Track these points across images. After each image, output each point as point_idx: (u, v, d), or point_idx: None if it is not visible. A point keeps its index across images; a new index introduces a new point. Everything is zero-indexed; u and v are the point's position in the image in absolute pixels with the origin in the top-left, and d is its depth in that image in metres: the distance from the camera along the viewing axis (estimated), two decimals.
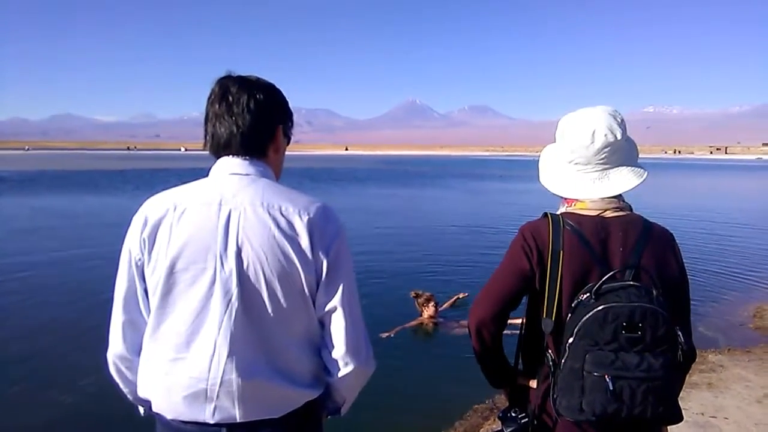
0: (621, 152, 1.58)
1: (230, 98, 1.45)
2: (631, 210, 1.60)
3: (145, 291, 1.42)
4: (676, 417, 1.39)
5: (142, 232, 1.39)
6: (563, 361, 1.41)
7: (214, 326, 1.34)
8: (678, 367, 1.38)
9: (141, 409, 1.55)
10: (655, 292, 1.38)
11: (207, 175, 1.48)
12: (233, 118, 1.45)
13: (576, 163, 1.59)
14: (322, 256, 1.38)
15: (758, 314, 7.23)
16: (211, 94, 1.49)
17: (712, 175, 53.44)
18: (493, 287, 1.60)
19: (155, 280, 1.38)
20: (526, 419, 1.60)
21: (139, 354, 1.44)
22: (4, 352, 5.73)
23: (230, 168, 1.45)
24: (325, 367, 1.46)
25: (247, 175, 1.44)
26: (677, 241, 1.58)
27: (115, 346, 1.45)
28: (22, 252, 10.83)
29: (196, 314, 1.35)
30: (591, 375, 1.34)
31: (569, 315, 1.44)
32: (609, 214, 1.56)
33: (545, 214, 1.60)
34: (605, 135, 1.52)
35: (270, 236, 1.35)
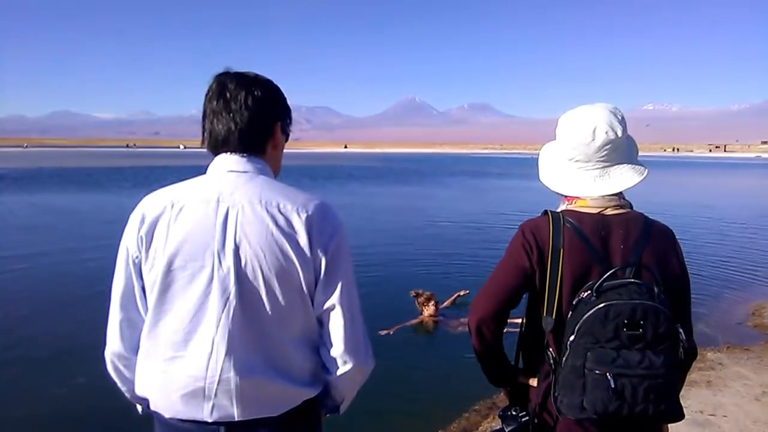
0: (621, 150, 1.57)
1: (228, 95, 1.44)
2: (631, 208, 1.60)
3: (143, 289, 1.41)
4: (678, 414, 1.39)
5: (139, 230, 1.38)
6: (564, 359, 1.41)
7: (212, 324, 1.33)
8: (679, 364, 1.38)
9: (139, 408, 1.55)
10: (656, 290, 1.37)
11: (205, 173, 1.47)
12: (231, 114, 1.44)
13: (576, 161, 1.58)
14: (320, 254, 1.37)
15: (757, 312, 7.25)
16: (208, 91, 1.48)
17: (711, 173, 53.48)
18: (493, 285, 1.59)
19: (153, 278, 1.37)
20: (527, 418, 1.59)
21: (136, 352, 1.43)
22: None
23: (228, 165, 1.44)
24: (323, 365, 1.45)
25: (245, 172, 1.43)
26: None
27: (113, 344, 1.45)
28: (19, 248, 10.82)
29: (194, 312, 1.35)
30: (592, 373, 1.34)
31: (570, 313, 1.43)
32: (609, 211, 1.55)
33: (545, 212, 1.59)
34: (606, 132, 1.51)
35: (268, 234, 1.34)
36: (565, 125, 1.60)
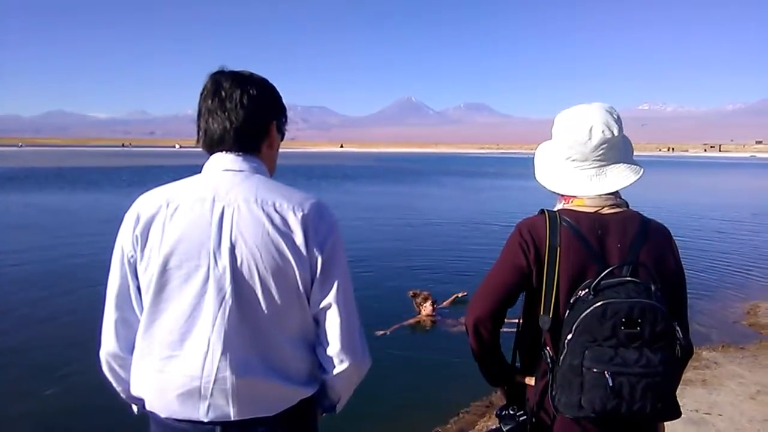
0: (618, 149, 1.58)
1: (223, 93, 1.44)
2: (627, 206, 1.60)
3: (138, 289, 1.40)
4: (675, 412, 1.39)
5: (134, 229, 1.37)
6: (562, 357, 1.41)
7: (208, 324, 1.33)
8: (676, 362, 1.38)
9: (134, 408, 1.54)
10: (653, 288, 1.37)
11: (200, 172, 1.46)
12: (226, 113, 1.43)
13: (573, 160, 1.58)
14: (316, 253, 1.37)
15: (752, 311, 7.27)
16: (203, 90, 1.47)
17: (706, 172, 53.68)
18: (490, 284, 1.59)
19: (148, 278, 1.36)
20: (524, 417, 1.59)
21: (131, 352, 1.42)
22: None
23: (223, 164, 1.43)
24: (320, 364, 1.45)
25: (240, 171, 1.42)
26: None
27: (108, 344, 1.44)
28: (13, 247, 10.78)
29: (190, 312, 1.34)
30: (590, 371, 1.34)
31: (567, 311, 1.43)
32: (606, 210, 1.55)
33: (542, 211, 1.59)
34: (602, 131, 1.51)
35: (264, 233, 1.33)
36: (561, 124, 1.60)
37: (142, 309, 1.39)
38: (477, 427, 4.21)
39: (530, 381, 1.63)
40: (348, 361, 1.42)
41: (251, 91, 1.45)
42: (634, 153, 1.69)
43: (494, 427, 1.65)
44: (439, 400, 4.70)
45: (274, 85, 1.54)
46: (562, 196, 1.63)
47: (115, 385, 1.51)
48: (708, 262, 9.93)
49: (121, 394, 1.52)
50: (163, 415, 1.39)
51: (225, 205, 1.35)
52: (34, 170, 39.38)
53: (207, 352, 1.33)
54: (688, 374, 4.85)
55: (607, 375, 1.32)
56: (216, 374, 1.33)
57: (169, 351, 1.35)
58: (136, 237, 1.37)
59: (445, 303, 7.02)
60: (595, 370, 1.33)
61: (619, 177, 1.57)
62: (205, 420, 1.35)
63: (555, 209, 1.62)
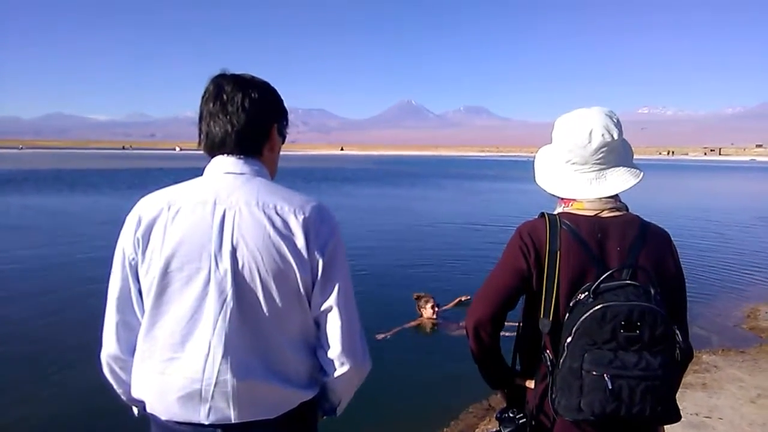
0: (617, 152, 1.58)
1: (225, 97, 1.44)
2: (627, 210, 1.60)
3: (139, 291, 1.40)
4: (674, 416, 1.39)
5: (135, 232, 1.38)
6: (561, 360, 1.41)
7: (209, 326, 1.33)
8: (676, 366, 1.38)
9: (135, 410, 1.54)
10: (653, 292, 1.38)
11: (201, 174, 1.47)
12: (228, 116, 1.44)
13: (573, 163, 1.58)
14: (317, 256, 1.37)
15: (752, 315, 7.27)
16: (205, 93, 1.48)
17: (706, 176, 53.70)
18: (490, 287, 1.59)
19: (149, 280, 1.36)
20: (524, 420, 1.59)
21: (132, 354, 1.42)
22: None
23: (225, 167, 1.44)
24: (320, 367, 1.45)
25: (241, 174, 1.43)
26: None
27: (109, 347, 1.44)
28: (11, 248, 10.78)
29: (191, 314, 1.34)
30: (590, 374, 1.34)
31: (567, 315, 1.44)
32: (606, 214, 1.56)
33: (542, 214, 1.60)
34: (602, 135, 1.52)
35: (265, 236, 1.34)
36: (561, 128, 1.61)
37: (143, 311, 1.40)
38: (477, 429, 4.21)
39: (530, 384, 1.63)
40: (348, 364, 1.42)
41: (253, 95, 1.45)
42: (634, 156, 1.70)
43: (494, 430, 1.65)
44: (439, 403, 4.70)
45: (275, 88, 1.55)
46: (562, 199, 1.63)
47: (115, 387, 1.51)
48: (708, 266, 9.93)
49: (122, 397, 1.53)
50: (163, 418, 1.39)
51: (226, 208, 1.36)
52: (33, 172, 39.37)
53: (208, 354, 1.33)
54: (688, 378, 4.85)
55: (606, 378, 1.32)
56: (217, 377, 1.33)
57: (170, 353, 1.36)
58: (138, 239, 1.37)
59: (447, 306, 7.01)
60: (594, 373, 1.33)
61: (619, 180, 1.58)
62: (206, 423, 1.35)
63: (555, 213, 1.62)
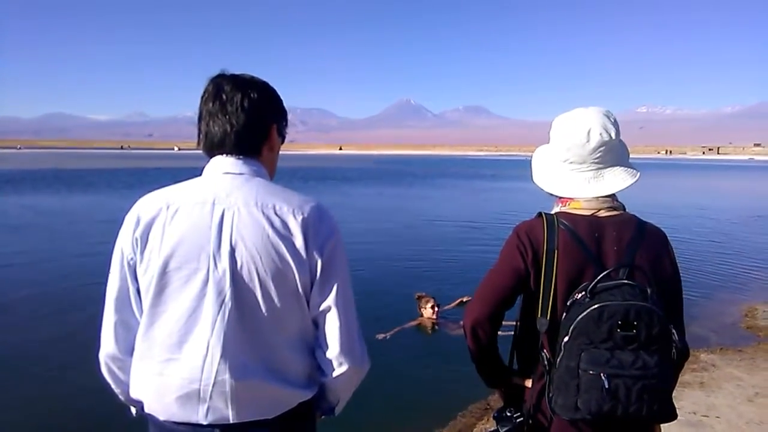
0: (615, 152, 1.59)
1: (224, 97, 1.44)
2: (624, 209, 1.61)
3: (138, 291, 1.40)
4: (671, 415, 1.40)
5: (134, 232, 1.38)
6: (559, 359, 1.41)
7: (207, 326, 1.33)
8: (672, 365, 1.39)
9: (133, 410, 1.54)
10: (649, 291, 1.38)
11: (200, 174, 1.47)
12: (227, 116, 1.44)
13: (571, 162, 1.59)
14: (316, 256, 1.37)
15: (750, 314, 7.28)
16: (204, 93, 1.48)
17: (705, 175, 53.73)
18: (488, 287, 1.60)
19: (148, 280, 1.36)
20: (521, 419, 1.60)
21: (131, 354, 1.43)
22: None
23: (224, 167, 1.44)
24: (319, 367, 1.45)
25: (240, 174, 1.43)
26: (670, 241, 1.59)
27: (107, 347, 1.44)
28: (10, 248, 10.75)
29: (189, 314, 1.34)
30: (586, 373, 1.35)
31: (564, 314, 1.44)
32: (603, 213, 1.57)
33: (540, 214, 1.60)
34: (600, 134, 1.53)
35: (264, 236, 1.34)
36: (559, 127, 1.61)
37: (141, 311, 1.40)
38: (475, 429, 4.22)
39: (527, 383, 1.64)
40: (347, 364, 1.43)
41: (252, 95, 1.45)
42: (633, 155, 1.70)
43: (492, 429, 1.66)
44: (437, 402, 4.70)
45: (275, 88, 1.55)
46: (560, 198, 1.64)
47: (113, 387, 1.51)
48: (706, 265, 9.94)
49: (120, 396, 1.52)
50: (162, 418, 1.39)
51: (225, 208, 1.36)
52: (31, 172, 39.31)
53: (206, 354, 1.33)
54: (685, 377, 4.86)
55: (603, 377, 1.32)
56: (215, 377, 1.33)
57: (168, 353, 1.36)
58: (136, 239, 1.37)
59: (448, 306, 7.01)
60: (591, 372, 1.34)
61: (616, 180, 1.58)
62: (204, 423, 1.35)
63: (552, 212, 1.63)
